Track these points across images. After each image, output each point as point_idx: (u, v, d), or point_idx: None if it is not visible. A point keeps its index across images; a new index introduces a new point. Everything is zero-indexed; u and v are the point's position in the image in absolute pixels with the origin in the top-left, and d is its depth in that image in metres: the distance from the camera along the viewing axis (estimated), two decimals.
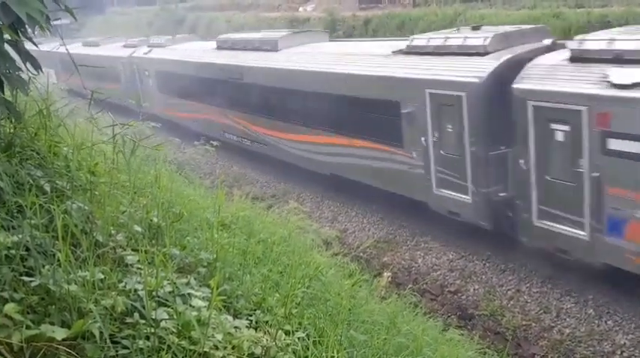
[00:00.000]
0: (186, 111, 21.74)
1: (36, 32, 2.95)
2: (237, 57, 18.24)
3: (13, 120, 3.11)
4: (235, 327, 2.54)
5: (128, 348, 2.12)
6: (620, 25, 15.97)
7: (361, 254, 11.37)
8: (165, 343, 2.16)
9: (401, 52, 12.65)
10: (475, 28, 11.92)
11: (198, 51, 21.55)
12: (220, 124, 19.57)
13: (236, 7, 41.00)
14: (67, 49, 5.30)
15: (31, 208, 2.41)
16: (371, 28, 24.83)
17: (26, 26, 2.79)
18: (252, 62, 17.24)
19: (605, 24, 16.90)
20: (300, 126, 15.47)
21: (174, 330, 2.24)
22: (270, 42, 17.21)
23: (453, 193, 11.06)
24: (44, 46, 34.07)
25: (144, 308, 2.21)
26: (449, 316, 9.49)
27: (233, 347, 2.38)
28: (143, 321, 2.19)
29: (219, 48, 20.08)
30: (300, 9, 35.07)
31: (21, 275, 2.22)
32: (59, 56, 32.10)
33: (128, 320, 2.23)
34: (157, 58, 23.56)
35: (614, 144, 8.40)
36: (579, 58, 9.30)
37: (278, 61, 16.18)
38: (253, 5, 39.66)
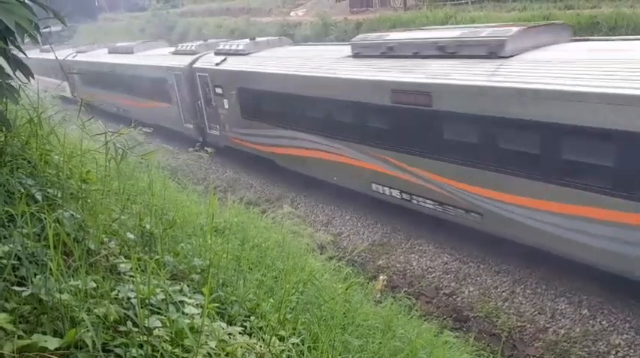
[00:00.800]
0: (299, 148, 15.00)
1: (26, 40, 2.94)
2: (411, 69, 11.31)
3: (4, 129, 3.10)
4: (229, 334, 2.54)
5: (121, 357, 2.12)
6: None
7: (356, 257, 11.39)
8: (158, 351, 2.16)
9: None
10: None
11: (318, 60, 14.45)
12: (367, 171, 12.78)
13: (226, 12, 41.08)
14: (55, 56, 5.25)
15: (22, 217, 2.41)
16: (362, 31, 24.89)
17: (15, 35, 2.78)
18: (454, 78, 10.22)
19: (595, 25, 17.07)
20: (586, 193, 8.58)
21: (167, 338, 2.24)
22: (488, 43, 10.28)
23: None
24: (51, 54, 31.64)
25: (137, 316, 2.21)
26: (444, 318, 9.49)
27: (227, 354, 2.38)
28: (136, 330, 2.19)
29: (358, 55, 13.23)
30: (292, 13, 35.14)
31: (12, 285, 2.22)
32: (77, 66, 28.69)
33: (121, 328, 2.22)
34: (241, 71, 16.88)
35: None
36: None
37: (520, 76, 9.28)
38: (244, 10, 39.72)
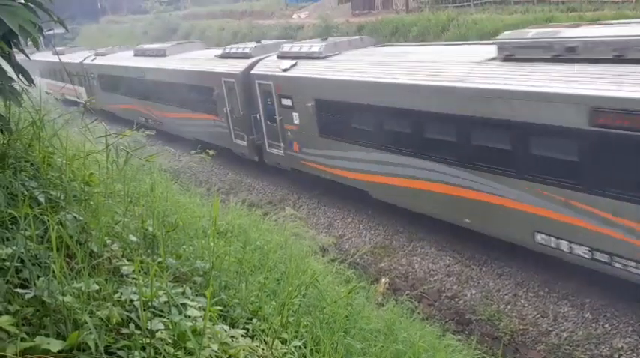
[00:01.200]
0: (409, 178, 11.69)
1: (28, 43, 2.95)
2: (627, 80, 7.90)
3: (7, 132, 3.11)
4: (231, 337, 2.54)
5: None
6: None
7: (358, 260, 11.38)
8: (160, 354, 2.16)
9: None
10: None
11: (442, 65, 11.05)
12: (527, 216, 9.48)
13: (229, 14, 41.19)
14: (59, 59, 5.27)
15: (25, 220, 2.41)
16: (364, 34, 24.94)
17: (19, 37, 2.79)
18: None
19: None
20: None
21: (169, 341, 2.24)
22: None
23: None
24: (66, 56, 29.04)
25: (139, 318, 2.21)
26: (446, 321, 9.49)
27: (229, 357, 2.38)
28: (139, 332, 2.19)
29: (511, 59, 9.85)
30: (294, 16, 35.20)
31: (16, 287, 2.22)
32: (96, 70, 27.05)
33: (124, 330, 2.23)
34: (321, 79, 13.61)
35: None
36: None
37: None
38: (247, 13, 39.82)
